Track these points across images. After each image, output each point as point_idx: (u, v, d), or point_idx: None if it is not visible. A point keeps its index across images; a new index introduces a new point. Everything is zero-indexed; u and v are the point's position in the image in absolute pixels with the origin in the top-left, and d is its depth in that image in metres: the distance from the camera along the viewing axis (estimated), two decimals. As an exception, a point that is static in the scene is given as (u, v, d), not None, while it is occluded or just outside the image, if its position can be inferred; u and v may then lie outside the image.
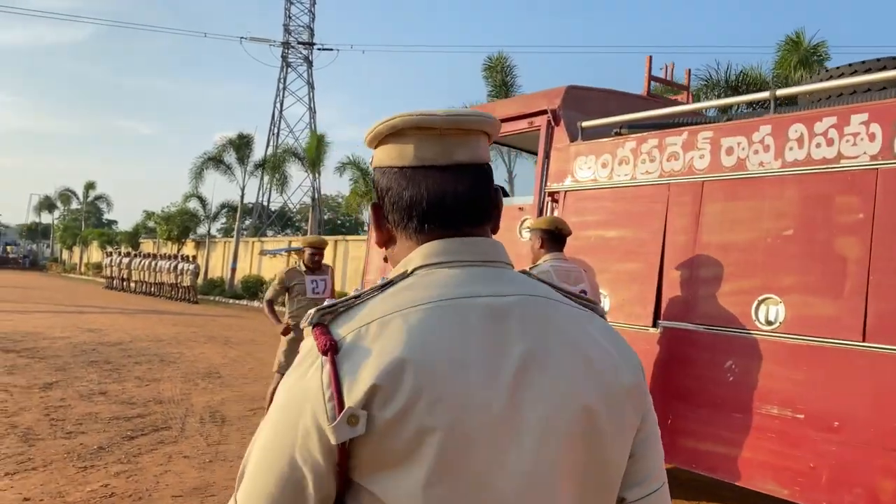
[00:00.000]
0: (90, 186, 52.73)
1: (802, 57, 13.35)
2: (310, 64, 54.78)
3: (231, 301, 28.38)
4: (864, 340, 3.25)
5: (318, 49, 54.44)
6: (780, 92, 3.95)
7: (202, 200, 33.97)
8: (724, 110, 5.32)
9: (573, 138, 4.88)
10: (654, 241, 4.22)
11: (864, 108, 3.46)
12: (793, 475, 3.45)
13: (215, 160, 30.04)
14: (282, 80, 54.46)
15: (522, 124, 5.25)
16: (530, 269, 4.07)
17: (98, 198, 53.01)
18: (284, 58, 54.34)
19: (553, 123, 5.00)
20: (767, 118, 3.82)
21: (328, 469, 0.84)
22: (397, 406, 0.82)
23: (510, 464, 0.86)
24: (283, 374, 5.51)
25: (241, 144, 30.02)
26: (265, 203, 52.63)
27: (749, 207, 3.80)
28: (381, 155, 1.02)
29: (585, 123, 4.82)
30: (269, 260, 31.52)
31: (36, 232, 66.59)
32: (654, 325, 4.15)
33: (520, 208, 5.16)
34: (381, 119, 1.01)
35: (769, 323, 3.62)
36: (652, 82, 5.98)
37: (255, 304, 27.22)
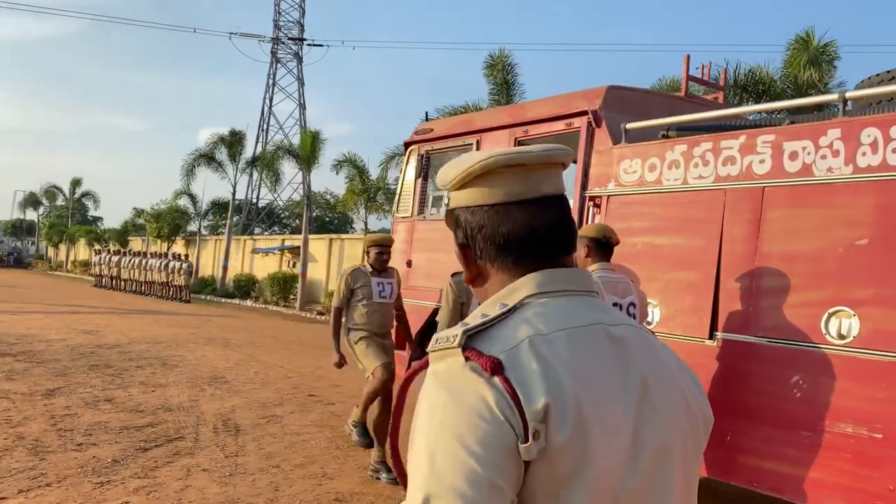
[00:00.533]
0: (76, 183, 52.00)
1: (812, 56, 13.28)
2: (300, 60, 54.39)
3: (223, 300, 28.05)
4: (950, 357, 3.09)
5: (308, 45, 54.07)
6: (850, 94, 3.78)
7: (193, 198, 33.56)
8: (767, 114, 5.11)
9: (616, 140, 4.69)
10: (710, 249, 4.04)
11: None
12: (869, 498, 3.28)
13: (207, 157, 29.65)
14: (271, 77, 54.07)
15: (559, 126, 5.05)
16: None
17: (85, 194, 52.31)
18: (274, 54, 53.91)
19: (594, 125, 4.81)
20: (837, 121, 3.65)
21: (515, 487, 0.86)
22: (568, 426, 0.85)
23: (631, 482, 0.91)
24: (378, 374, 5.15)
25: (234, 141, 29.64)
26: (254, 200, 52.19)
27: (817, 215, 3.62)
28: (467, 195, 1.05)
29: (630, 125, 4.63)
30: (261, 258, 31.20)
31: (20, 229, 65.63)
32: (711, 336, 3.97)
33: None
34: (468, 161, 1.04)
35: (841, 337, 3.45)
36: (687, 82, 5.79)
37: (248, 303, 26.94)
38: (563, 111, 5.01)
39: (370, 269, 5.69)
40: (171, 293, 27.00)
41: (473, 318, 0.96)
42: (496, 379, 0.86)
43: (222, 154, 29.87)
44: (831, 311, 3.49)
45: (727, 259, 3.96)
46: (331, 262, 27.12)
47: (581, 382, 0.89)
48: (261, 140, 50.40)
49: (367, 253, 5.72)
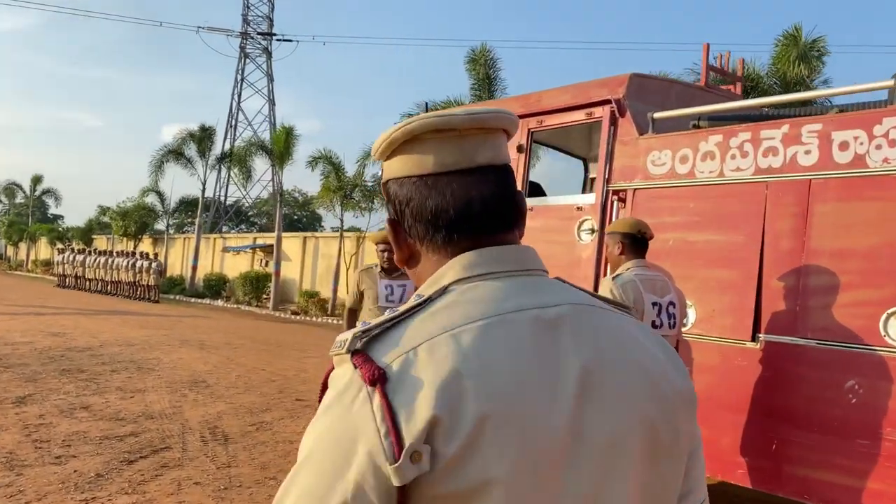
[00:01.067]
0: (37, 180, 50.47)
1: (801, 52, 13.23)
2: (269, 55, 53.54)
3: (193, 300, 27.35)
4: None
5: (278, 40, 53.25)
6: None
7: (161, 195, 32.73)
8: (806, 103, 4.87)
9: (642, 131, 4.44)
10: (751, 246, 3.81)
11: None
12: (936, 510, 3.07)
13: (176, 153, 28.90)
14: (240, 72, 53.10)
15: (578, 115, 4.79)
16: (613, 277, 3.61)
17: (46, 192, 50.81)
18: (243, 49, 53.02)
19: (618, 114, 4.55)
20: (893, 109, 3.43)
21: None
22: (461, 439, 0.74)
23: (573, 488, 0.79)
24: None
25: (203, 137, 28.95)
26: (222, 198, 51.28)
27: (872, 209, 3.41)
28: (396, 165, 0.95)
29: (658, 114, 4.39)
30: (232, 257, 30.55)
31: (-23, 227, 63.58)
32: (754, 339, 3.74)
33: (578, 208, 4.69)
34: (393, 126, 0.94)
35: (902, 339, 3.24)
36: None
37: (220, 303, 26.31)
38: (583, 100, 4.74)
39: (380, 270, 5.30)
40: (138, 293, 26.22)
41: (384, 315, 0.85)
42: (376, 392, 0.76)
43: (191, 150, 29.16)
44: (890, 311, 3.27)
45: (770, 256, 3.73)
46: (304, 260, 26.61)
47: (488, 388, 0.76)
48: (229, 137, 49.47)
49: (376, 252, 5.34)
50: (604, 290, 3.53)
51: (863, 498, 3.27)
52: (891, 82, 3.59)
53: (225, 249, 30.97)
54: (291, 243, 26.98)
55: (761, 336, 3.71)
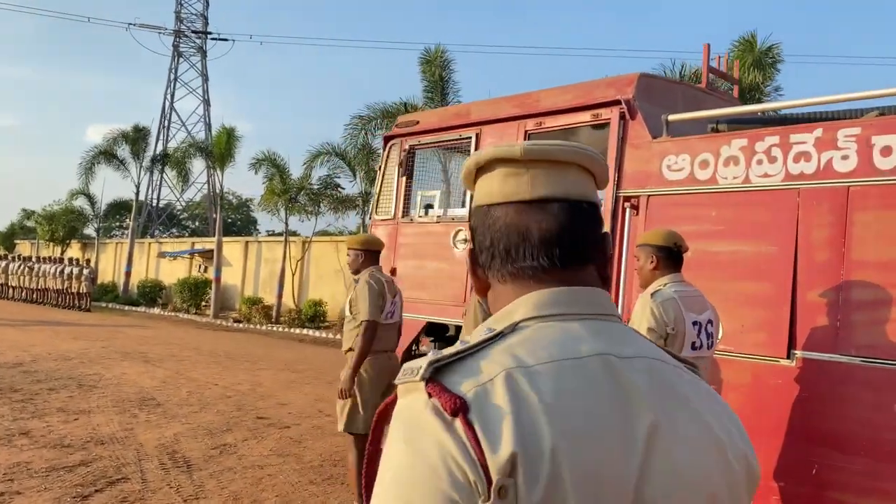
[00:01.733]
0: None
1: (756, 59, 13.38)
2: (204, 54, 51.89)
3: (127, 308, 26.07)
4: None
5: (213, 39, 51.66)
6: None
7: (91, 198, 31.17)
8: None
9: (655, 134, 4.18)
10: (783, 257, 3.59)
11: None
12: None
13: (107, 155, 27.54)
14: (173, 71, 51.30)
15: (583, 117, 4.51)
16: (652, 294, 3.32)
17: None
18: (176, 47, 51.22)
19: (628, 116, 4.28)
20: (941, 112, 3.26)
21: None
22: (542, 483, 0.72)
23: None
24: (360, 434, 4.25)
25: (137, 138, 27.68)
26: (154, 202, 49.44)
27: (919, 218, 3.22)
28: (476, 194, 0.97)
29: (672, 117, 4.14)
30: (168, 263, 29.34)
31: None
32: (789, 356, 3.51)
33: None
34: (471, 156, 0.99)
35: (957, 356, 3.05)
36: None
37: (156, 310, 25.16)
38: (588, 100, 4.47)
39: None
40: (68, 301, 24.84)
41: (455, 345, 0.84)
42: (457, 422, 0.73)
43: (124, 151, 27.85)
44: (944, 326, 3.09)
45: (806, 268, 3.51)
46: (247, 265, 25.72)
47: (564, 428, 0.75)
48: (162, 138, 47.71)
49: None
50: (642, 309, 3.24)
51: (916, 526, 3.07)
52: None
53: (161, 255, 29.71)
54: (232, 248, 26.05)
55: (797, 353, 3.49)
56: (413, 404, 0.77)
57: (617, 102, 4.31)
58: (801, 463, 3.42)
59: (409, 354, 5.48)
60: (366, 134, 17.76)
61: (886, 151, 3.33)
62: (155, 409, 7.89)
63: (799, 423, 3.44)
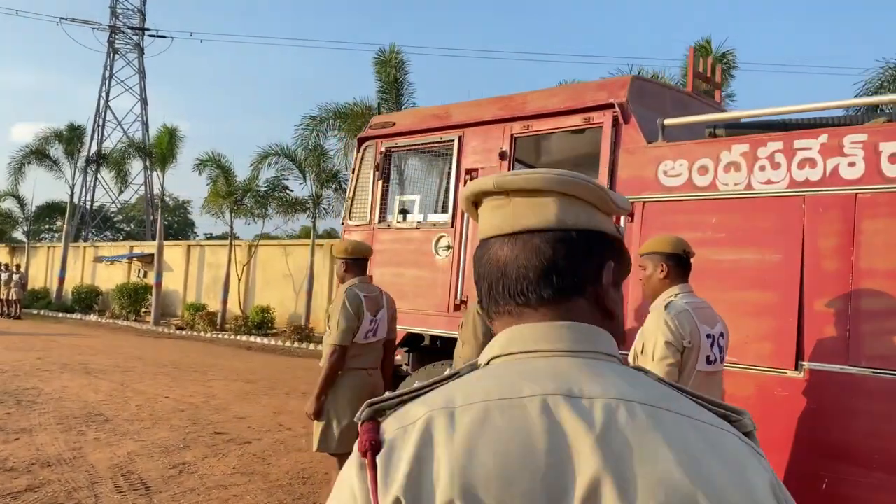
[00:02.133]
0: None
1: (712, 65, 13.51)
2: (141, 51, 50.24)
3: (61, 315, 24.91)
4: None
5: (151, 35, 50.06)
6: None
7: (20, 200, 29.71)
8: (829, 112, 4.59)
9: (650, 138, 4.07)
10: (789, 265, 3.50)
11: None
12: None
13: (39, 154, 26.30)
14: (108, 68, 49.47)
15: (573, 120, 4.37)
16: (665, 307, 3.17)
17: None
18: (111, 43, 49.40)
19: (622, 120, 4.16)
20: (951, 120, 3.22)
21: None
22: None
23: None
24: (339, 454, 3.99)
25: (72, 137, 26.52)
26: (88, 204, 47.59)
27: (930, 226, 3.17)
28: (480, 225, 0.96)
29: (669, 121, 4.03)
30: (105, 268, 28.20)
31: None
32: (796, 367, 3.43)
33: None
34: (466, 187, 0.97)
35: (972, 367, 3.01)
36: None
37: (92, 317, 24.12)
38: (579, 103, 4.33)
39: None
40: (-4, 308, 23.57)
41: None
42: (365, 462, 0.75)
43: (58, 151, 26.65)
44: (958, 337, 3.04)
45: (813, 277, 3.44)
46: (189, 270, 24.91)
47: (468, 476, 0.70)
48: (96, 137, 45.93)
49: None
50: (657, 322, 3.09)
51: (932, 541, 3.02)
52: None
53: (98, 259, 28.54)
54: (173, 252, 25.18)
55: (805, 364, 3.41)
56: (357, 441, 0.79)
57: (610, 106, 4.18)
58: (811, 477, 3.33)
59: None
60: (317, 135, 17.36)
61: (894, 158, 3.28)
62: (103, 426, 7.42)
63: (808, 436, 3.36)
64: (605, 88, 4.29)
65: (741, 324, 3.60)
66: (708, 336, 3.12)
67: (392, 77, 15.84)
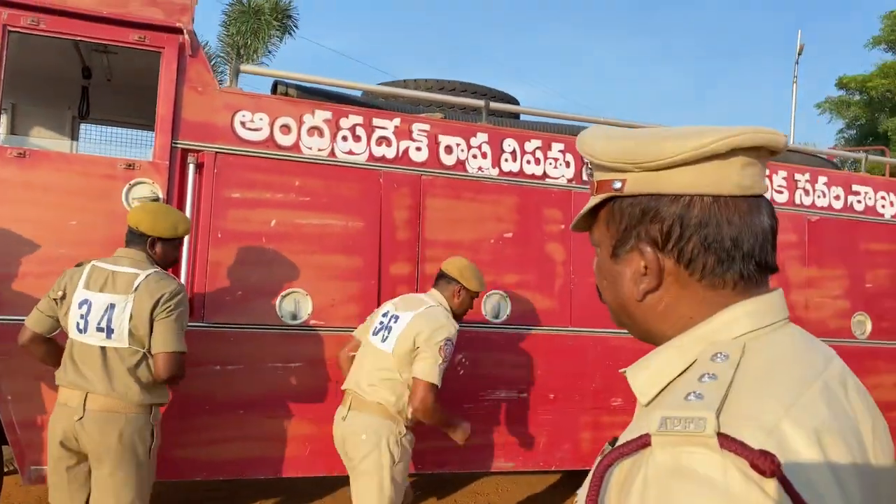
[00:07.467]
0: None
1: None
2: None
3: None
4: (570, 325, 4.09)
5: None
6: (494, 105, 4.22)
7: None
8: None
9: (224, 83, 3.59)
10: (370, 234, 3.74)
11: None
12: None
13: None
14: None
15: (123, 35, 3.40)
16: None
17: None
18: None
19: (190, 51, 3.51)
20: (485, 126, 4.07)
21: None
22: None
23: None
24: None
25: None
26: None
27: (469, 208, 3.96)
28: (681, 178, 0.79)
29: (246, 67, 3.65)
30: None
31: None
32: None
33: (128, 165, 3.37)
34: (697, 135, 0.77)
35: (495, 317, 3.96)
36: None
37: None
38: (129, 15, 3.41)
39: None
40: None
41: (690, 381, 0.72)
42: (772, 485, 0.59)
43: None
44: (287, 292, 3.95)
45: (388, 244, 3.79)
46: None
47: (858, 462, 0.68)
48: None
49: None
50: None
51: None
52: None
53: None
54: None
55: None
56: (706, 464, 0.61)
57: (176, 30, 3.47)
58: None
59: None
60: None
61: (449, 150, 3.96)
62: None
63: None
64: (162, 7, 3.51)
65: (327, 287, 3.66)
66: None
67: None
